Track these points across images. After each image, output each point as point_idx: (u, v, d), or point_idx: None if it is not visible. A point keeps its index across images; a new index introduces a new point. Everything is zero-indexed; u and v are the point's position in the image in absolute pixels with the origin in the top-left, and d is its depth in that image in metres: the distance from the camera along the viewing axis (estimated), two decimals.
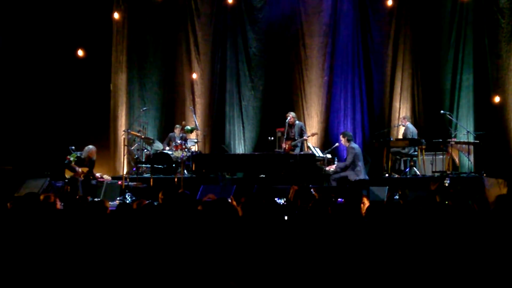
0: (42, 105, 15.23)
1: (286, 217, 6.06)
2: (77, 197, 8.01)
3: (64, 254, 4.36)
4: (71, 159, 12.84)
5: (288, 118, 13.66)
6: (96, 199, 10.22)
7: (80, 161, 12.92)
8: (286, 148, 13.39)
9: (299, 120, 14.24)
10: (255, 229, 4.65)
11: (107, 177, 13.40)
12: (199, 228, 4.56)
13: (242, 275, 3.91)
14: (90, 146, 13.28)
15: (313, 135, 14.19)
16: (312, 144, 14.08)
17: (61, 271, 4.16)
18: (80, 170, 12.79)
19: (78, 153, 13.03)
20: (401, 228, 4.33)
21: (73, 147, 13.19)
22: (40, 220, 5.27)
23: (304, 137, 13.61)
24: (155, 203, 6.86)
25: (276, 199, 11.64)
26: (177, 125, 14.78)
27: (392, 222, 4.37)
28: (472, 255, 4.10)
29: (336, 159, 13.39)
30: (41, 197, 6.87)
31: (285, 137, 13.64)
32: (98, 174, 13.25)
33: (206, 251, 4.13)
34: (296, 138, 13.61)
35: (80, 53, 15.27)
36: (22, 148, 14.77)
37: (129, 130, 14.31)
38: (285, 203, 7.81)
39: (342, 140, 12.96)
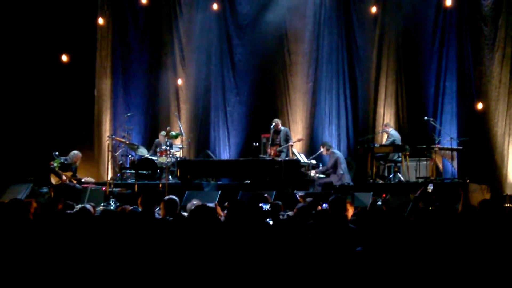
0: (26, 110, 15.12)
1: (271, 222, 6.06)
2: (61, 202, 7.95)
3: (46, 260, 4.33)
4: (55, 164, 12.77)
5: (274, 124, 13.68)
6: (80, 205, 10.16)
7: (64, 167, 12.85)
8: (272, 154, 13.41)
9: (284, 126, 14.27)
10: (238, 234, 4.65)
11: (90, 179, 13.33)
12: (183, 234, 4.55)
13: (223, 279, 3.91)
14: (76, 152, 13.26)
15: (299, 140, 14.24)
16: (297, 150, 14.11)
17: (44, 277, 4.14)
18: (64, 176, 12.73)
19: (62, 159, 12.97)
20: (384, 233, 4.34)
21: (57, 153, 13.12)
22: (22, 227, 5.23)
23: (290, 143, 13.63)
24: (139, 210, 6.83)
25: (261, 204, 11.66)
26: (162, 132, 14.74)
27: (376, 228, 4.39)
28: (455, 259, 4.13)
29: (320, 165, 13.44)
30: (23, 203, 6.81)
31: (270, 142, 13.66)
32: (82, 179, 13.18)
33: (189, 257, 4.12)
34: (281, 144, 13.63)
35: (64, 58, 15.21)
36: (6, 154, 14.65)
37: (113, 136, 14.24)
38: (269, 209, 7.80)
39: (323, 150, 13.12)
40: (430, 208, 6.85)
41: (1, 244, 4.63)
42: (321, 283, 4.05)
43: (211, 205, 6.45)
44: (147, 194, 6.39)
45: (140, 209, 6.49)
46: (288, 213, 7.70)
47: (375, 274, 4.02)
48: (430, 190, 8.90)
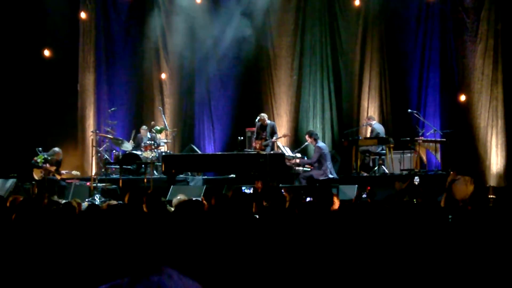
0: (9, 105, 15.01)
1: (257, 216, 6.07)
2: (45, 198, 7.91)
3: (28, 257, 4.31)
4: (38, 160, 12.70)
5: (259, 118, 13.64)
6: (64, 201, 10.11)
7: (47, 162, 12.78)
8: (257, 147, 13.40)
9: (269, 119, 14.26)
10: (225, 226, 4.65)
11: (75, 173, 13.26)
12: (171, 229, 4.55)
13: (211, 273, 3.91)
14: (56, 149, 13.20)
15: (284, 136, 14.16)
16: (282, 143, 14.12)
17: (28, 273, 4.12)
18: (47, 165, 12.63)
19: (45, 154, 12.89)
20: (370, 226, 4.37)
21: (40, 148, 13.04)
22: (6, 223, 5.20)
23: (274, 139, 13.56)
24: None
25: (243, 188, 11.73)
26: (144, 126, 14.67)
27: (362, 221, 4.41)
28: (441, 252, 4.16)
29: (305, 158, 13.46)
30: (10, 199, 6.78)
31: (255, 136, 13.64)
32: (64, 172, 13.11)
33: (179, 251, 4.12)
34: (267, 138, 13.61)
35: (47, 53, 15.11)
36: None
37: (97, 131, 14.18)
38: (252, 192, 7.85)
39: (309, 139, 13.01)
40: (414, 200, 6.90)
41: None
42: (306, 276, 4.07)
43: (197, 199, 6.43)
44: (135, 190, 6.36)
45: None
46: None
47: (361, 267, 4.04)
48: (416, 183, 9.00)
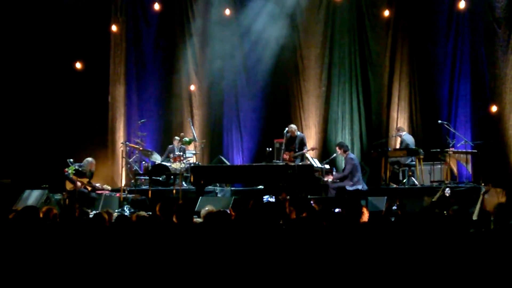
0: (41, 117, 15.24)
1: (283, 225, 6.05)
2: (76, 210, 7.99)
3: (62, 267, 4.35)
4: (69, 171, 12.84)
5: (288, 130, 13.59)
6: (94, 211, 10.20)
7: (78, 173, 12.91)
8: (287, 159, 13.36)
9: (298, 131, 14.18)
10: (251, 238, 4.64)
11: (106, 186, 13.38)
12: (198, 240, 4.56)
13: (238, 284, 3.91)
14: (90, 159, 13.32)
15: (312, 149, 14.05)
16: (310, 155, 14.06)
17: (59, 284, 4.16)
18: (79, 183, 12.78)
19: (76, 165, 13.02)
20: (401, 238, 4.32)
21: (72, 160, 13.19)
22: (40, 234, 5.26)
23: (304, 151, 13.50)
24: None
25: (265, 198, 11.70)
26: (176, 137, 14.76)
27: (392, 233, 4.37)
28: (472, 264, 4.10)
29: (334, 169, 13.39)
30: (43, 210, 6.86)
31: (283, 148, 13.59)
32: (97, 184, 13.26)
33: (204, 263, 4.13)
34: (296, 150, 13.56)
35: (78, 65, 15.32)
36: (21, 161, 14.76)
37: (127, 142, 14.31)
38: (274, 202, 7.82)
39: (339, 151, 12.93)
40: (445, 212, 6.82)
41: (16, 251, 4.66)
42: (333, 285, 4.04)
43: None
44: (166, 201, 6.37)
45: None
46: None
47: (389, 278, 4.00)
48: (447, 194, 8.89)
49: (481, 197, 9.13)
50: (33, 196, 12.62)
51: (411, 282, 3.94)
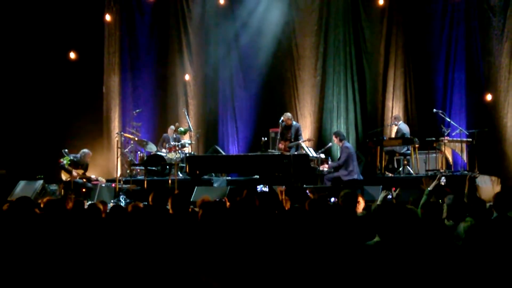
0: (35, 108, 15.21)
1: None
2: (71, 200, 7.97)
3: (57, 258, 4.35)
4: (64, 162, 12.83)
5: (283, 118, 13.56)
6: (90, 202, 10.20)
7: (74, 164, 12.91)
8: (282, 148, 13.35)
9: (293, 120, 14.16)
10: (245, 227, 4.64)
11: (101, 179, 13.37)
12: (194, 230, 4.56)
13: (236, 274, 3.91)
14: (86, 150, 13.32)
15: (308, 140, 14.01)
16: (306, 144, 14.05)
17: (55, 274, 4.15)
18: (75, 173, 12.78)
19: (71, 156, 13.01)
20: (396, 227, 4.33)
21: (66, 150, 13.17)
22: (34, 225, 5.25)
23: (300, 141, 13.48)
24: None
25: (259, 187, 11.71)
26: (171, 126, 14.74)
27: (387, 222, 4.37)
28: (469, 253, 4.11)
29: (329, 159, 13.39)
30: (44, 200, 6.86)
31: (278, 137, 13.57)
32: (93, 176, 13.25)
33: (201, 252, 4.13)
34: (292, 139, 13.54)
35: (72, 55, 15.28)
36: (15, 152, 14.74)
37: (122, 133, 14.28)
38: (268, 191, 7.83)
39: (335, 140, 12.93)
40: (440, 201, 6.83)
41: (11, 243, 4.65)
42: (330, 277, 4.05)
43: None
44: (159, 190, 6.36)
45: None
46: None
47: (386, 269, 4.00)
48: (443, 183, 8.88)
49: (467, 182, 9.10)
50: (28, 187, 12.61)
51: (405, 271, 3.95)
